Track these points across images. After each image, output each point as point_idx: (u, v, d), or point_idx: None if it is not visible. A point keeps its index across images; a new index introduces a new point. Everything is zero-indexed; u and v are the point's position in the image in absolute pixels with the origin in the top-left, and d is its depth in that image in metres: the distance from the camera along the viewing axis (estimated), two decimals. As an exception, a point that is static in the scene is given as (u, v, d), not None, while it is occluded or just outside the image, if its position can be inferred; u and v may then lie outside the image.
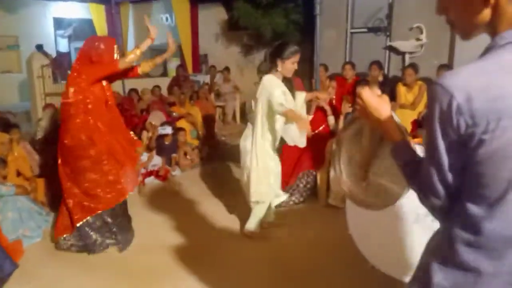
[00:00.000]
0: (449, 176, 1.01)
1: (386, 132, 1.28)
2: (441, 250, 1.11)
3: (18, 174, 4.35)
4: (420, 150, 1.22)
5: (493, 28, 1.02)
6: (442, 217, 1.12)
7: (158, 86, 8.05)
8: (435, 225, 1.19)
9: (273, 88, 3.28)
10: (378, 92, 1.35)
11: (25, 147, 5.07)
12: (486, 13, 1.01)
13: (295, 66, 3.38)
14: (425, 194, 1.08)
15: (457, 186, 1.02)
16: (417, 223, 2.12)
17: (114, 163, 3.44)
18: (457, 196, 1.03)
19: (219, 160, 6.25)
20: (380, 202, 1.51)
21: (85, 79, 3.27)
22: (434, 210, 1.12)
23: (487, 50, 1.01)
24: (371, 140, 1.50)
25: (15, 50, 11.02)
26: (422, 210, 2.08)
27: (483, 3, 1.00)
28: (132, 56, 3.35)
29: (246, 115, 8.81)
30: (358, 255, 2.54)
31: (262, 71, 3.57)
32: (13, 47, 11.00)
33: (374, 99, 1.30)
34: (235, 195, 4.25)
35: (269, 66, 3.42)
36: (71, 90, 3.28)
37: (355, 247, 2.55)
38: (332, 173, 4.35)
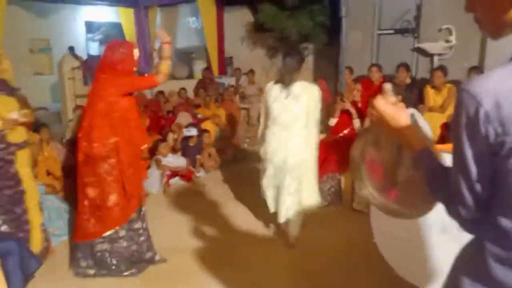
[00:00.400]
0: (478, 186, 0.96)
1: (406, 141, 1.23)
2: (472, 264, 1.06)
3: (48, 173, 4.47)
4: (448, 159, 1.18)
5: None
6: (471, 230, 1.06)
7: (184, 89, 8.16)
8: (462, 235, 1.15)
9: None
10: (393, 100, 1.31)
11: (56, 147, 5.21)
12: None
13: None
14: (453, 205, 1.03)
15: (487, 197, 0.96)
16: (443, 232, 2.06)
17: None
18: (488, 208, 0.97)
19: (244, 162, 6.26)
20: (415, 211, 1.47)
21: (114, 92, 3.04)
22: (462, 222, 1.06)
23: None
24: (391, 150, 1.46)
25: (47, 53, 11.35)
26: (448, 219, 2.03)
27: (510, 2, 0.95)
28: (166, 70, 3.25)
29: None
30: (381, 262, 2.50)
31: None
32: (45, 50, 11.34)
33: (389, 108, 1.26)
34: (258, 198, 4.24)
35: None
36: (101, 105, 3.05)
37: (379, 253, 2.51)
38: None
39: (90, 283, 3.13)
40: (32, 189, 3.24)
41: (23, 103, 3.39)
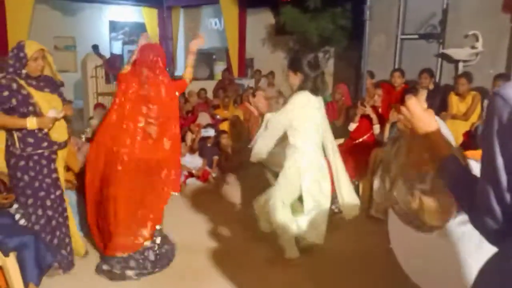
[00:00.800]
0: (508, 196, 0.91)
1: (433, 146, 1.20)
2: (497, 276, 1.01)
3: (68, 169, 4.52)
4: (474, 166, 1.13)
5: None
6: (496, 241, 1.02)
7: (204, 89, 8.18)
8: (483, 244, 1.10)
9: None
10: (425, 105, 1.29)
11: (76, 142, 5.28)
12: None
13: None
14: (479, 215, 0.99)
15: None
16: (462, 241, 1.99)
17: None
18: None
19: (260, 163, 6.22)
20: (436, 222, 1.43)
21: (176, 96, 3.22)
22: (487, 233, 1.01)
23: None
24: (416, 157, 1.42)
25: (71, 51, 11.59)
26: (468, 227, 1.96)
27: None
28: (190, 76, 3.43)
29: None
30: (397, 269, 2.43)
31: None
32: (70, 47, 11.57)
33: (421, 111, 1.24)
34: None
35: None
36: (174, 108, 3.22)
37: (394, 261, 2.44)
38: (375, 184, 4.21)
39: (106, 279, 3.14)
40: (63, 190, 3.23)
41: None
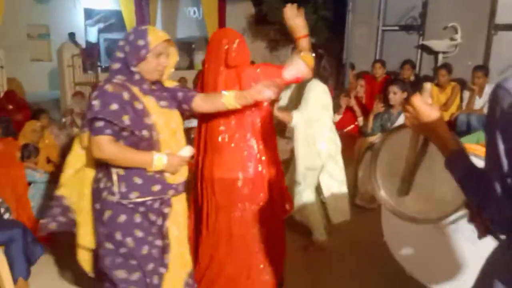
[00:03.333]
0: (509, 181, 0.95)
1: (441, 141, 1.22)
2: (505, 265, 1.05)
3: (48, 161, 4.41)
4: (474, 161, 1.16)
5: None
6: (504, 231, 1.06)
7: (184, 78, 8.09)
8: (475, 235, 1.14)
9: None
10: (429, 100, 1.31)
11: (52, 131, 5.16)
12: None
13: None
14: (487, 204, 1.02)
15: None
16: (457, 232, 2.05)
17: None
18: None
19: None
20: (434, 215, 1.46)
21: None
22: (495, 222, 1.05)
23: None
24: (416, 151, 1.44)
25: (45, 39, 11.23)
26: (462, 219, 2.02)
27: None
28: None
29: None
30: (391, 258, 2.48)
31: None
32: (44, 36, 11.22)
33: (426, 106, 1.25)
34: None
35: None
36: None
37: (381, 247, 2.49)
38: (360, 174, 4.28)
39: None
40: None
41: None
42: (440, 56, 6.43)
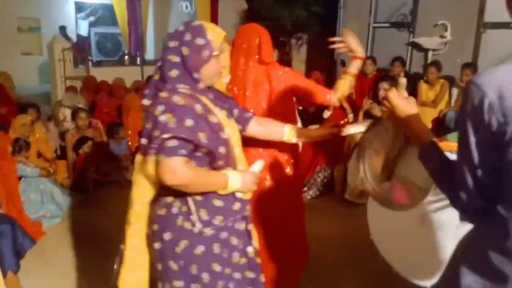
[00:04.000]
0: (480, 172, 1.01)
1: (414, 134, 1.28)
2: (471, 253, 1.10)
3: (39, 155, 4.41)
4: (451, 155, 1.21)
5: None
6: (472, 219, 1.11)
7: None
8: (460, 232, 1.18)
9: None
10: (405, 94, 1.36)
11: (44, 125, 5.14)
12: None
13: None
14: (456, 193, 1.07)
15: (490, 187, 1.01)
16: (441, 229, 2.10)
17: None
18: (489, 198, 1.02)
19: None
20: (410, 202, 1.51)
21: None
22: (464, 211, 1.11)
23: None
24: (396, 140, 1.50)
25: (36, 33, 11.12)
26: (446, 216, 2.07)
27: None
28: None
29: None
30: (372, 250, 2.53)
31: None
32: (35, 29, 11.10)
33: (402, 101, 1.31)
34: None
35: None
36: None
37: (369, 241, 2.53)
38: (350, 168, 4.33)
39: (81, 264, 3.12)
40: None
41: None
42: (430, 54, 6.49)
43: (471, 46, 6.09)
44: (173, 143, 1.43)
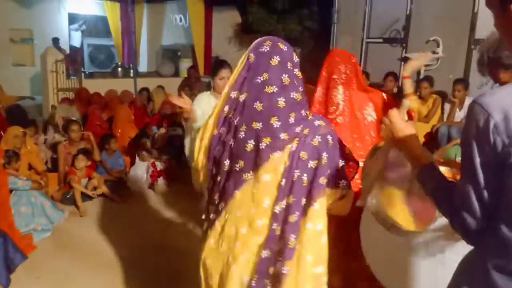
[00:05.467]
0: (485, 194, 1.00)
1: (412, 155, 1.28)
2: (472, 273, 1.09)
3: (29, 168, 4.36)
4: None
5: None
6: (474, 240, 1.10)
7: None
8: (446, 258, 1.16)
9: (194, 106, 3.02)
10: (405, 117, 1.37)
11: (36, 140, 5.09)
12: None
13: (224, 82, 3.08)
14: (459, 215, 1.06)
15: (493, 207, 1.00)
16: (431, 246, 2.09)
17: None
18: (491, 218, 1.01)
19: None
20: (412, 228, 1.51)
21: None
22: (465, 233, 1.09)
23: None
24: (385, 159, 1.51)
25: (29, 44, 11.07)
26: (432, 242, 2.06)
27: None
28: None
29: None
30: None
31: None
32: (27, 40, 11.06)
33: (401, 122, 1.33)
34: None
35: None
36: None
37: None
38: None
39: (72, 279, 3.06)
40: None
41: None
42: (422, 69, 6.57)
43: (462, 62, 6.16)
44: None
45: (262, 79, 1.40)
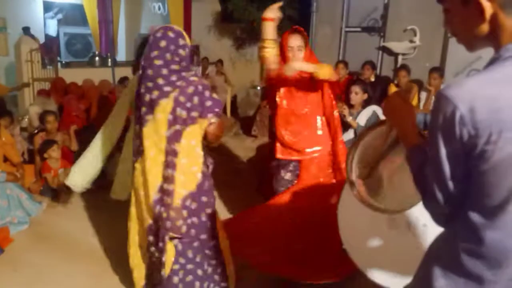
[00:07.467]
0: (450, 183, 1.03)
1: (405, 134, 1.29)
2: (443, 255, 1.13)
3: (5, 159, 4.27)
4: None
5: (495, 41, 1.04)
6: (443, 224, 1.14)
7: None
8: (428, 230, 1.20)
9: None
10: (408, 100, 1.39)
11: (12, 131, 4.97)
12: (484, 27, 1.04)
13: None
14: (427, 199, 1.11)
15: (459, 194, 1.04)
16: (409, 230, 2.15)
17: None
18: (460, 204, 1.05)
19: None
20: (396, 206, 1.55)
21: None
22: (435, 216, 1.14)
23: (492, 62, 1.03)
24: (385, 142, 1.53)
25: (2, 33, 10.74)
26: (413, 217, 2.12)
27: (480, 18, 1.04)
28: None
29: (236, 109, 8.79)
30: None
31: None
32: (1, 29, 10.73)
33: (403, 102, 1.34)
34: (227, 190, 4.25)
35: None
36: None
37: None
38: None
39: (50, 271, 3.03)
40: None
41: None
42: (400, 58, 6.65)
43: (439, 51, 6.27)
44: None
45: (153, 55, 2.15)
